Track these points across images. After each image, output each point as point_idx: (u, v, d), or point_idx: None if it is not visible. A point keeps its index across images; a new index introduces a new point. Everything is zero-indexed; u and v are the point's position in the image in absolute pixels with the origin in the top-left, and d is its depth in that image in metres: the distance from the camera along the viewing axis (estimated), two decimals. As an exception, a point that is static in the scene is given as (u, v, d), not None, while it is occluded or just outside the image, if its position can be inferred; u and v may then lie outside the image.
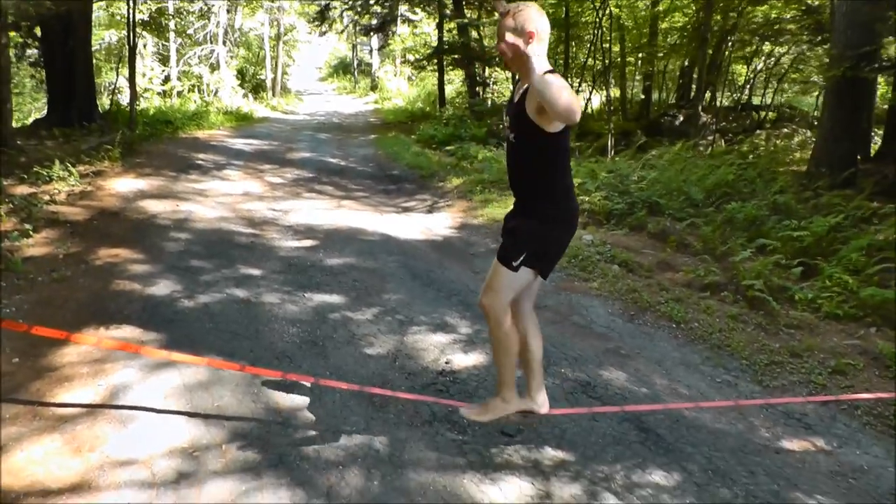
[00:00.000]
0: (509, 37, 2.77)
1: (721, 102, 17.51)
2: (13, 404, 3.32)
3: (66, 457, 2.91)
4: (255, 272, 5.66)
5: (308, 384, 3.58)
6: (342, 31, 29.06)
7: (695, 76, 17.15)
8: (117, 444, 3.01)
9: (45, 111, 15.62)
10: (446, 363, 4.08)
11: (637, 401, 3.73)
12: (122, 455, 2.92)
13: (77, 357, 3.85)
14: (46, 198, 7.55)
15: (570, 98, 2.37)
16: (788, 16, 14.50)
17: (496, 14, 3.15)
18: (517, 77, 3.14)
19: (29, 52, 14.58)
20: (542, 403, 3.19)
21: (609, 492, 2.87)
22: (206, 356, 3.82)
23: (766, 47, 16.51)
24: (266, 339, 4.27)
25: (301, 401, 3.47)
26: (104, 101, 15.44)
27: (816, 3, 13.32)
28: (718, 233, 6.88)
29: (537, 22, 2.71)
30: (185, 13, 22.37)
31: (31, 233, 6.31)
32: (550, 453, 3.14)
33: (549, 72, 2.62)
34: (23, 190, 7.75)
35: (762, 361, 4.42)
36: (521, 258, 2.91)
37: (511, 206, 3.11)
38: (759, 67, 18.36)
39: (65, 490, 2.69)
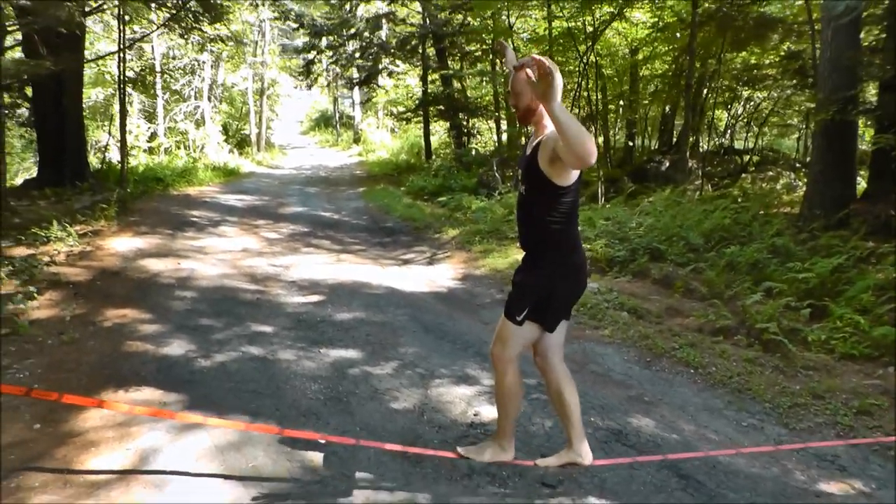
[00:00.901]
0: (525, 89, 2.87)
1: (705, 147, 17.91)
2: (40, 472, 3.26)
3: (105, 525, 2.85)
4: (266, 329, 5.64)
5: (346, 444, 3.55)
6: (327, 85, 29.42)
7: (677, 122, 17.60)
8: (155, 509, 2.96)
9: (34, 171, 15.64)
10: (475, 415, 4.07)
11: (670, 447, 3.74)
12: (163, 521, 2.87)
13: (100, 421, 3.79)
14: (46, 259, 7.50)
15: (589, 138, 2.36)
16: (768, 61, 14.97)
17: (504, 68, 3.26)
18: (524, 128, 3.23)
19: (19, 111, 14.58)
20: (585, 454, 3.22)
21: (660, 542, 2.86)
22: (231, 416, 3.80)
23: (746, 92, 16.99)
24: (289, 397, 4.24)
25: (336, 459, 3.44)
26: (92, 160, 15.45)
27: (795, 48, 13.77)
28: (723, 277, 6.97)
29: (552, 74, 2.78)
30: (172, 70, 22.61)
31: (35, 295, 6.25)
32: (594, 502, 3.13)
33: None
34: (21, 251, 7.69)
35: (785, 404, 4.45)
36: (524, 313, 3.01)
37: (518, 258, 3.19)
38: (739, 112, 18.86)
39: (110, 560, 2.63)
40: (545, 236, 3.00)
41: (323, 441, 3.52)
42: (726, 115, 19.26)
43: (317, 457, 3.45)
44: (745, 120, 18.87)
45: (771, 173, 16.01)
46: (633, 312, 6.36)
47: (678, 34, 14.81)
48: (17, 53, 11.69)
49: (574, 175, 2.85)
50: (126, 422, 3.77)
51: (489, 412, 4.11)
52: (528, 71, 2.51)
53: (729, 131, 19.48)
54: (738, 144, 19.01)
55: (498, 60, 20.35)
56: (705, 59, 15.08)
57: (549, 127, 2.83)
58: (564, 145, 2.43)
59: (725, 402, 4.54)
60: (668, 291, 7.01)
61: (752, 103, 18.00)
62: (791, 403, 4.46)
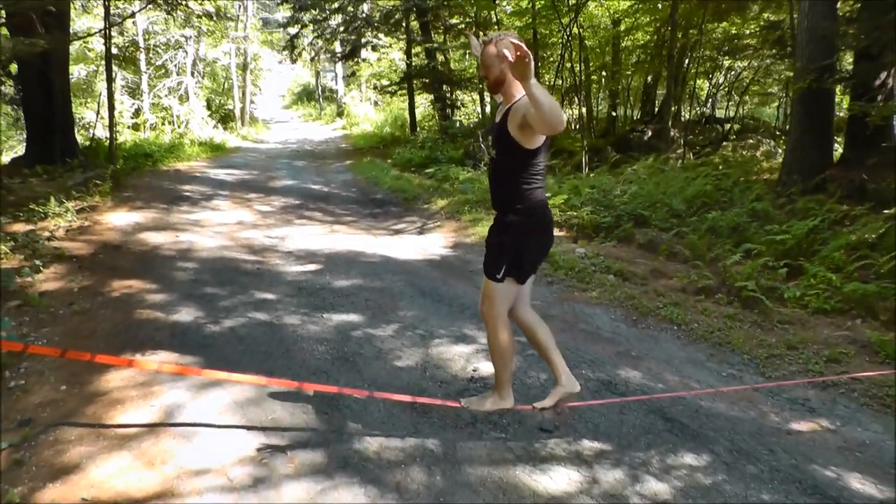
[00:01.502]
0: (494, 62, 3.17)
1: (686, 116, 18.18)
2: (74, 427, 3.51)
3: (141, 470, 3.11)
4: (270, 296, 5.88)
5: (359, 397, 3.82)
6: (311, 59, 29.31)
7: (659, 92, 17.85)
8: (187, 456, 3.22)
9: (19, 149, 15.64)
10: (474, 370, 4.36)
11: (656, 394, 4.04)
12: (195, 465, 3.13)
13: (122, 382, 4.04)
14: (46, 234, 7.66)
15: (560, 109, 2.71)
16: (748, 31, 15.22)
17: (470, 46, 3.53)
18: (496, 99, 3.50)
19: (3, 89, 14.56)
20: (572, 384, 3.57)
21: (649, 474, 3.17)
22: (249, 375, 4.06)
23: (727, 62, 17.25)
24: (298, 358, 4.49)
25: (349, 411, 3.71)
26: (79, 137, 15.46)
27: (776, 19, 14.01)
28: (704, 240, 7.28)
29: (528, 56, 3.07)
30: (156, 46, 22.49)
31: (40, 268, 6.44)
32: (588, 445, 3.44)
33: None
34: (20, 227, 7.85)
35: (762, 355, 4.79)
36: (502, 270, 3.30)
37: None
38: (720, 81, 19.14)
39: (151, 498, 2.90)
40: (515, 197, 3.27)
41: (311, 393, 3.81)
42: (708, 84, 19.55)
43: (331, 409, 3.72)
44: (727, 89, 19.18)
45: (751, 141, 16.36)
46: (620, 275, 6.66)
47: (660, 5, 15.00)
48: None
49: (541, 139, 3.14)
50: (148, 381, 4.02)
51: (487, 367, 4.39)
52: (504, 51, 2.75)
53: (710, 101, 19.76)
54: (720, 113, 19.32)
55: (480, 33, 20.47)
56: (687, 29, 15.30)
57: (517, 95, 3.14)
58: (538, 116, 2.74)
59: (707, 355, 4.87)
60: (653, 255, 7.32)
61: (733, 73, 18.31)
62: (768, 354, 4.79)
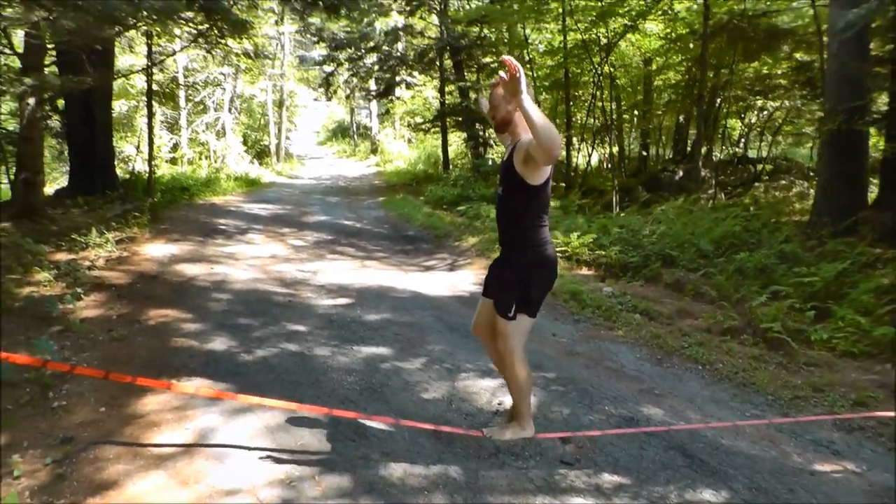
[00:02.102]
0: (501, 103, 3.36)
1: (718, 156, 18.24)
2: (112, 446, 3.68)
3: (176, 489, 3.26)
4: (301, 328, 6.06)
5: (385, 426, 3.95)
6: (346, 96, 30.00)
7: (690, 131, 17.96)
8: (219, 476, 3.37)
9: (62, 180, 16.20)
10: (499, 404, 4.47)
11: (676, 432, 4.10)
12: (226, 486, 3.28)
13: (158, 405, 4.22)
14: (87, 263, 7.98)
15: (554, 129, 2.82)
16: (780, 71, 15.31)
17: (479, 105, 3.74)
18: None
19: (49, 123, 15.17)
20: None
21: (667, 508, 3.24)
22: (281, 400, 4.22)
23: (759, 101, 17.32)
24: (328, 387, 4.65)
25: (375, 439, 3.84)
26: (118, 170, 16.01)
27: (807, 58, 14.10)
28: (731, 281, 7.33)
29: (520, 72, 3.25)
30: (195, 84, 23.25)
31: (81, 296, 6.72)
32: (608, 478, 3.52)
33: None
34: (62, 256, 8.18)
35: (787, 396, 4.82)
36: (513, 307, 3.43)
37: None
38: (752, 121, 19.18)
39: (185, 516, 3.05)
40: (520, 233, 3.42)
41: (359, 419, 3.93)
42: (739, 124, 19.58)
43: (358, 437, 3.85)
44: (759, 129, 19.18)
45: (784, 182, 16.32)
46: (646, 314, 6.75)
47: (691, 45, 15.19)
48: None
49: (544, 175, 3.27)
50: (183, 405, 4.19)
51: (511, 401, 4.50)
52: (500, 73, 2.90)
53: (742, 140, 19.79)
54: (752, 153, 19.31)
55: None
56: (718, 69, 15.45)
57: (523, 135, 3.30)
58: (533, 136, 2.86)
59: (731, 394, 4.92)
60: (679, 295, 7.38)
61: (765, 113, 18.31)
62: (792, 396, 4.83)
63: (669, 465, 3.68)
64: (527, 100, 2.79)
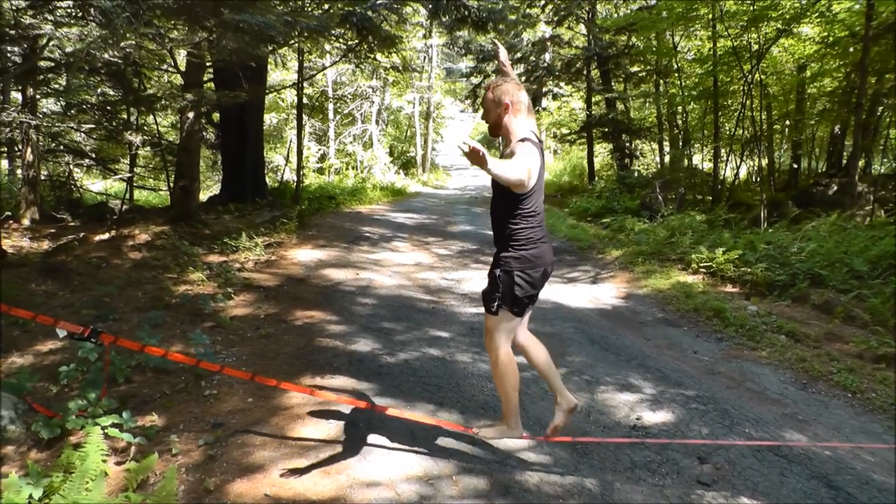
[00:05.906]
0: (491, 107, 3.53)
1: (879, 170, 16.97)
2: (259, 435, 3.98)
3: (318, 477, 3.48)
4: (443, 334, 6.25)
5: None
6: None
7: (847, 143, 16.77)
8: (360, 469, 3.56)
9: (215, 188, 17.59)
10: (637, 419, 4.44)
11: (821, 462, 3.88)
12: (366, 478, 3.47)
13: (303, 399, 4.50)
14: (237, 265, 8.65)
15: (517, 173, 3.15)
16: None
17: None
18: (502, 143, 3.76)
19: (205, 135, 16.56)
20: (568, 400, 3.75)
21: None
22: (418, 405, 4.43)
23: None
24: (468, 393, 4.78)
25: (513, 445, 3.92)
26: (268, 179, 17.17)
27: None
28: (888, 305, 6.83)
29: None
30: (344, 97, 24.54)
31: (231, 295, 7.29)
32: (746, 502, 3.40)
33: (523, 139, 3.36)
34: (214, 258, 8.91)
35: (958, 433, 4.41)
36: (496, 304, 3.54)
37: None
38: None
39: (325, 502, 3.25)
40: (506, 234, 3.54)
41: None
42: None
43: (496, 442, 3.94)
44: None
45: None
46: (791, 336, 6.46)
47: (850, 49, 14.26)
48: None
49: (528, 186, 3.37)
50: (326, 401, 4.45)
51: (650, 417, 4.47)
52: (460, 145, 2.95)
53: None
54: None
55: (661, 81, 20.47)
56: (881, 74, 14.38)
57: (513, 140, 3.47)
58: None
59: (884, 427, 4.59)
60: (828, 317, 6.97)
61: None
62: (967, 433, 4.41)
63: (811, 495, 3.50)
64: (492, 165, 2.96)
